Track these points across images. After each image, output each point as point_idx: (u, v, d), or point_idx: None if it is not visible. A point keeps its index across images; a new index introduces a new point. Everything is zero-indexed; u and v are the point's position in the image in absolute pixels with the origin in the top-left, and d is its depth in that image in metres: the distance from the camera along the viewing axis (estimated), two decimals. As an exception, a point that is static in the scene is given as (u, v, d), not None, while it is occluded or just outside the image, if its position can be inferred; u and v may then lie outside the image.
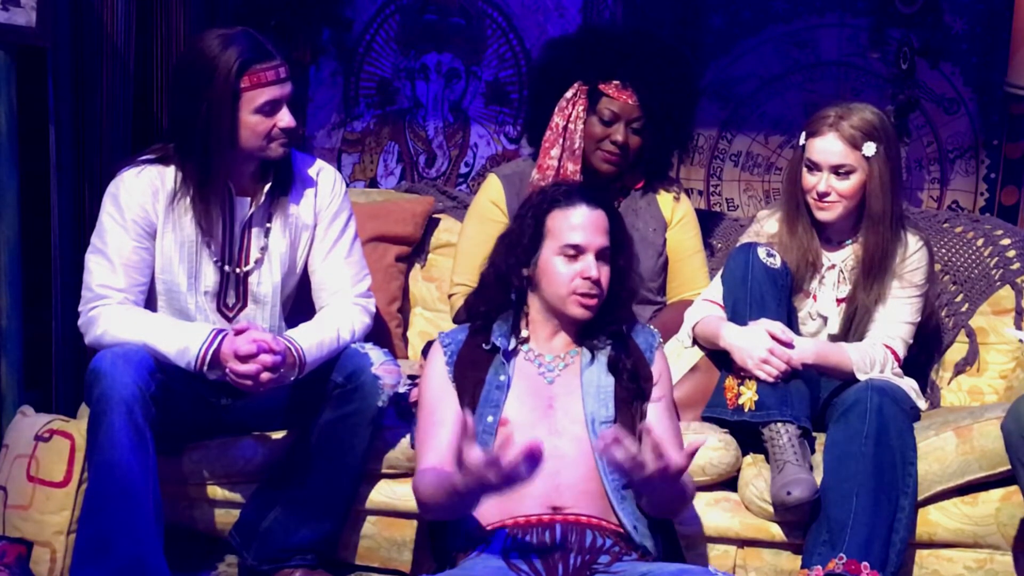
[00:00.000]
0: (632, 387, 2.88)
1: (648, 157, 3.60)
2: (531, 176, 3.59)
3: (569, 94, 3.56)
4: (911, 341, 3.35)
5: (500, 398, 2.86)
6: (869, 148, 3.24)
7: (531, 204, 2.95)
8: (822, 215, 3.31)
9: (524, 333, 2.93)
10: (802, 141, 3.33)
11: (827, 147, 3.25)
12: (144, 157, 3.14)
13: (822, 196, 3.27)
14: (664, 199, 3.68)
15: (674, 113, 3.57)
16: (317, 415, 3.09)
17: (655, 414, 2.89)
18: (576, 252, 2.84)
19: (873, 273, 3.30)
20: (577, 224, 2.85)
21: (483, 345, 2.92)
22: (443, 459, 2.74)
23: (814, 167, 3.28)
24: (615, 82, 3.52)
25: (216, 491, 3.28)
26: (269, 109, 3.04)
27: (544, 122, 3.60)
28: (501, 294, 2.93)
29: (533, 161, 3.65)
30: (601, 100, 3.53)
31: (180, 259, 3.13)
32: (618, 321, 2.92)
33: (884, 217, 3.28)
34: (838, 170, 3.26)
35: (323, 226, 3.23)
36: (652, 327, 3.02)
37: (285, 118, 3.06)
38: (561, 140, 3.55)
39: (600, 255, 2.85)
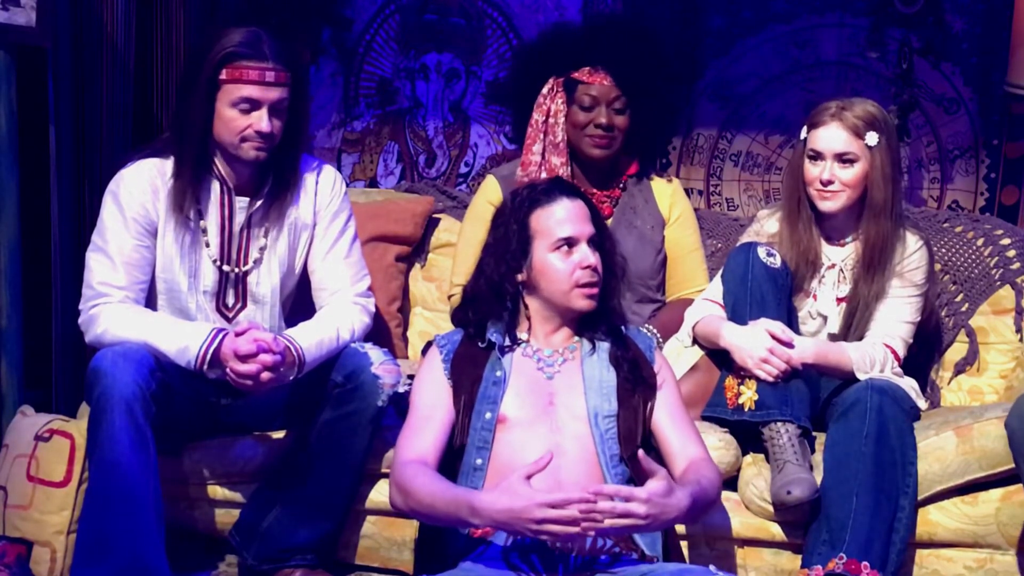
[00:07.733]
0: (633, 378, 2.89)
1: (637, 133, 3.61)
2: (516, 175, 3.59)
3: (545, 90, 3.59)
4: (911, 341, 3.35)
5: (497, 394, 2.85)
6: (871, 138, 3.25)
7: (510, 210, 2.93)
8: (825, 205, 3.30)
9: (523, 336, 2.92)
10: (803, 135, 3.33)
11: (831, 135, 3.26)
12: (144, 153, 3.14)
13: (826, 184, 3.27)
14: (661, 196, 3.69)
15: (651, 86, 3.58)
16: (317, 415, 3.09)
17: (668, 413, 2.89)
18: (570, 244, 2.85)
19: (874, 266, 3.30)
20: (563, 217, 2.86)
21: (479, 343, 2.92)
22: (426, 456, 2.76)
23: (817, 156, 3.28)
24: (586, 68, 3.55)
25: (216, 491, 3.28)
26: (247, 107, 3.03)
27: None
28: (496, 303, 2.92)
29: (527, 162, 3.67)
30: (577, 88, 3.56)
31: (181, 259, 3.13)
32: (612, 310, 2.92)
33: (885, 208, 3.28)
34: (842, 157, 3.26)
35: (323, 226, 3.23)
36: (648, 330, 3.01)
37: (260, 122, 3.04)
38: (542, 135, 3.58)
39: (591, 242, 2.87)
